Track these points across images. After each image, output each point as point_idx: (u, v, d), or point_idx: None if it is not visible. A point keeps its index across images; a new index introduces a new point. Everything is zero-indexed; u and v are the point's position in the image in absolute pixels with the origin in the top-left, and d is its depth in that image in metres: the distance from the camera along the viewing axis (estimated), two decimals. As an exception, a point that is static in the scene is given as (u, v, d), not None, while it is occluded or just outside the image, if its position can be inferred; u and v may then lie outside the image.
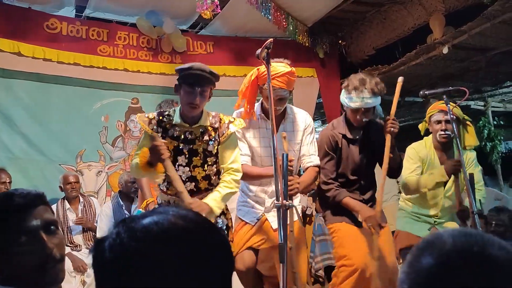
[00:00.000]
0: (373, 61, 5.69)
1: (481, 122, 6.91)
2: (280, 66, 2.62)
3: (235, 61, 5.38)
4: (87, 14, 4.92)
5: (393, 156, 2.75)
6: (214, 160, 2.54)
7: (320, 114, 7.56)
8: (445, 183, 3.14)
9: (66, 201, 4.22)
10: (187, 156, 2.48)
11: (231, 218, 2.72)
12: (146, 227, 0.71)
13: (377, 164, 2.98)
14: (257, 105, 2.83)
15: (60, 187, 4.24)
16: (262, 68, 2.61)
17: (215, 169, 2.56)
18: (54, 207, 4.24)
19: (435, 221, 3.24)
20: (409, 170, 3.15)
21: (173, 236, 0.70)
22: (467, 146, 3.17)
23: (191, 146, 2.49)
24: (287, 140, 2.56)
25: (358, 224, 2.84)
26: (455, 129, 2.73)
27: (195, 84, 2.37)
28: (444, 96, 2.80)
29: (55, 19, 4.64)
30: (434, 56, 4.91)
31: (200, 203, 2.37)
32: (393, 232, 3.28)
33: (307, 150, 2.83)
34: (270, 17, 4.86)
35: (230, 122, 2.55)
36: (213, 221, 2.32)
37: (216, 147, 2.52)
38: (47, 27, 4.58)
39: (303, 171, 2.93)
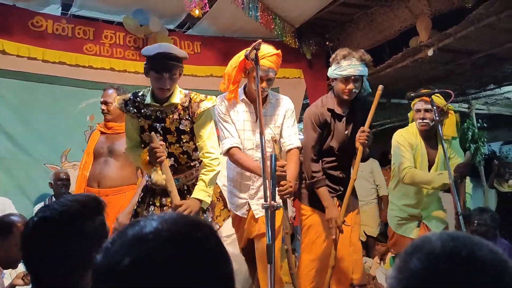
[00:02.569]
0: (360, 63, 5.71)
1: (465, 124, 6.99)
2: (268, 48, 2.67)
3: (223, 62, 5.34)
4: (73, 12, 4.87)
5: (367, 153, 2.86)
6: (190, 137, 2.59)
7: (307, 115, 7.58)
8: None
9: (54, 198, 4.19)
10: (161, 133, 2.55)
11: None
12: (138, 233, 0.71)
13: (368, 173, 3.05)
14: (240, 90, 2.84)
15: (50, 183, 4.21)
16: (250, 48, 2.62)
17: (194, 146, 2.62)
18: (41, 205, 4.20)
19: (421, 214, 3.27)
20: (407, 159, 3.14)
21: (163, 241, 0.70)
22: (444, 136, 3.19)
23: (163, 124, 2.55)
24: (277, 143, 2.65)
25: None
26: (436, 117, 2.76)
27: (163, 70, 2.40)
28: (430, 99, 2.84)
29: (40, 17, 4.58)
30: (420, 58, 4.96)
31: (189, 203, 2.43)
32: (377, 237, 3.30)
33: (288, 133, 2.86)
34: (258, 16, 4.85)
35: (201, 100, 2.57)
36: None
37: (189, 126, 2.57)
38: (32, 25, 4.53)
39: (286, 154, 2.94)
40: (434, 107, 2.80)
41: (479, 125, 7.29)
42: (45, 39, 4.57)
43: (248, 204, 2.86)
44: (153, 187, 2.61)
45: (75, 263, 1.20)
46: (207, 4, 4.46)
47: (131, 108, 2.57)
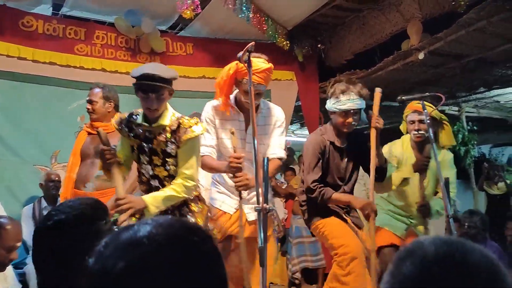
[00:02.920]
0: (352, 66, 5.75)
1: (455, 127, 7.04)
2: (259, 62, 2.66)
3: (215, 63, 5.36)
4: (64, 12, 4.83)
5: (378, 153, 2.86)
6: (175, 161, 2.54)
7: (299, 117, 7.60)
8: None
9: (43, 199, 4.15)
10: (147, 154, 2.53)
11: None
12: (131, 237, 0.71)
13: (359, 176, 3.06)
14: (231, 97, 2.84)
15: (40, 184, 4.17)
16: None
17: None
18: (29, 207, 4.17)
19: (410, 222, 3.28)
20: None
21: (156, 246, 0.69)
22: (444, 145, 3.23)
23: (151, 145, 2.53)
24: (236, 136, 2.62)
25: (342, 219, 2.89)
26: (430, 130, 2.79)
27: (148, 91, 2.38)
28: (421, 102, 2.87)
29: (31, 16, 4.54)
30: (411, 62, 4.99)
31: (134, 198, 2.38)
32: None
33: (273, 143, 2.86)
34: (249, 18, 4.85)
35: (190, 126, 2.49)
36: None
37: (175, 149, 2.51)
38: (23, 25, 4.48)
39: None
40: (427, 117, 2.82)
41: (469, 128, 7.36)
42: (36, 39, 4.54)
43: (238, 203, 2.81)
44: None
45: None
46: (199, 6, 4.45)
47: (123, 126, 2.56)
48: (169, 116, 2.52)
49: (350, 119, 2.81)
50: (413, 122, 3.17)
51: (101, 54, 4.87)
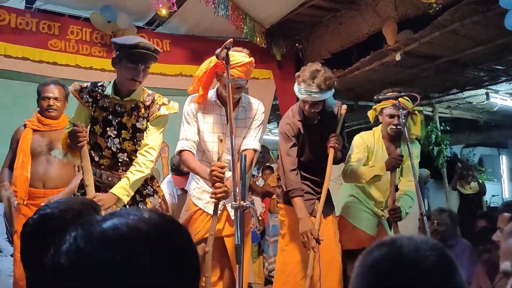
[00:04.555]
0: (329, 65, 5.70)
1: (429, 127, 7.18)
2: (240, 56, 2.60)
3: (192, 60, 5.33)
4: (38, 6, 4.73)
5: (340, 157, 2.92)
6: (143, 136, 2.55)
7: (276, 116, 7.62)
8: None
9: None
10: (116, 128, 2.50)
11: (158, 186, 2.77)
12: (103, 233, 0.68)
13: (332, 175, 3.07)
14: (212, 91, 2.80)
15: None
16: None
17: None
18: (0, 205, 4.06)
19: (382, 213, 3.25)
20: (353, 159, 3.18)
21: (132, 241, 0.67)
22: (412, 135, 3.23)
23: (120, 119, 2.50)
24: (223, 143, 2.52)
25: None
26: (405, 128, 2.83)
27: (139, 61, 2.38)
28: (397, 101, 2.91)
29: (3, 10, 4.42)
30: (386, 62, 5.07)
31: (104, 196, 2.34)
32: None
33: (249, 134, 2.82)
34: (228, 15, 4.84)
35: (163, 104, 2.54)
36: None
37: (145, 125, 2.52)
38: (-6, 19, 4.37)
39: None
40: (402, 111, 2.86)
41: (442, 128, 7.50)
42: (7, 33, 4.42)
43: (223, 204, 2.77)
44: (98, 183, 2.51)
45: None
46: (175, 4, 4.41)
47: (85, 96, 2.50)
48: (141, 92, 2.53)
49: (307, 108, 2.78)
50: (393, 116, 3.12)
51: (76, 50, 4.78)
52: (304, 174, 2.96)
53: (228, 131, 2.75)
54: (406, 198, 3.12)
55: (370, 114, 3.41)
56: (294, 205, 2.82)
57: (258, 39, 5.37)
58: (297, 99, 2.94)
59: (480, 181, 7.24)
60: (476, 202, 6.82)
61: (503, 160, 12.74)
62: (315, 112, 2.81)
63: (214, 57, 2.63)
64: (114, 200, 2.36)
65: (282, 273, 2.94)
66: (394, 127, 3.11)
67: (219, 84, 2.77)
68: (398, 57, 4.79)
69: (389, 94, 3.09)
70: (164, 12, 4.55)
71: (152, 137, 2.51)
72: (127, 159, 2.53)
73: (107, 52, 4.93)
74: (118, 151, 2.51)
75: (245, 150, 2.77)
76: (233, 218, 2.73)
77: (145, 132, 2.53)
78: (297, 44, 6.01)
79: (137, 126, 2.51)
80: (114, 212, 0.74)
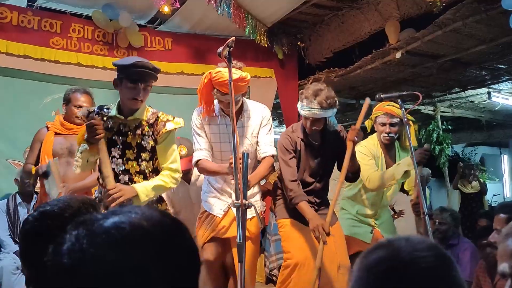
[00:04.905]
0: (331, 64, 5.79)
1: (430, 126, 7.17)
2: (227, 73, 2.55)
3: (194, 59, 5.33)
4: (39, 4, 4.72)
5: (353, 162, 2.85)
6: (150, 156, 2.53)
7: (278, 114, 7.61)
8: None
9: (18, 195, 4.07)
10: (120, 148, 2.48)
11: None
12: (107, 232, 0.67)
13: (333, 174, 3.08)
14: (216, 102, 2.86)
15: (16, 179, 4.08)
16: (214, 71, 2.68)
17: (152, 167, 2.54)
18: (3, 202, 4.09)
19: (375, 223, 3.31)
20: (369, 166, 3.18)
21: (136, 240, 0.67)
22: (406, 146, 3.25)
23: (124, 138, 2.49)
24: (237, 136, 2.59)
25: (305, 223, 2.88)
26: (408, 133, 2.83)
27: (139, 80, 2.38)
28: (399, 100, 2.90)
29: (5, 8, 4.41)
30: (388, 61, 5.06)
31: (123, 187, 2.35)
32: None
33: (263, 142, 2.89)
34: (230, 14, 4.83)
35: (167, 120, 2.53)
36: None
37: (151, 144, 2.51)
38: (-4, 16, 4.37)
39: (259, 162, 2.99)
40: (398, 120, 2.93)
41: (443, 127, 7.49)
42: (9, 31, 4.41)
43: (228, 206, 2.84)
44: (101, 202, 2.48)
45: None
46: (177, 1, 4.41)
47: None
48: (145, 110, 2.53)
49: (309, 125, 2.82)
50: (384, 124, 3.19)
51: (77, 48, 4.77)
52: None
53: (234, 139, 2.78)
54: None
55: (367, 123, 3.44)
56: (300, 209, 2.83)
57: (260, 38, 5.36)
58: (298, 114, 2.96)
59: (482, 180, 7.23)
60: (477, 201, 6.82)
61: (505, 159, 12.73)
62: (316, 130, 2.84)
63: (207, 73, 2.72)
64: (133, 194, 2.36)
65: (281, 276, 2.95)
66: (386, 135, 3.17)
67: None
68: (398, 55, 4.78)
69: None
70: (166, 9, 4.54)
71: (170, 159, 2.52)
72: (129, 182, 2.50)
73: (109, 50, 4.93)
74: (120, 172, 2.49)
75: (264, 157, 2.86)
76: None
77: (160, 155, 2.52)
78: (299, 43, 6.01)
79: (143, 145, 2.50)
80: (114, 210, 0.74)
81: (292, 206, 2.87)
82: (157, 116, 2.53)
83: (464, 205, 6.75)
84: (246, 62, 2.98)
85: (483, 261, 3.05)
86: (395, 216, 4.34)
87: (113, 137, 2.49)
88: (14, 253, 3.90)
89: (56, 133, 3.34)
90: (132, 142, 2.49)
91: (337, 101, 2.79)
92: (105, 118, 2.49)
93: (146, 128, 2.50)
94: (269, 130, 2.92)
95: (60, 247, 0.68)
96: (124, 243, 0.66)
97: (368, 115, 3.08)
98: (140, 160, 2.50)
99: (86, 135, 2.36)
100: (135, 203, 2.36)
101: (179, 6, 4.57)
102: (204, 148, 2.83)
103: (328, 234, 2.71)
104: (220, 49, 2.14)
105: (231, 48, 2.16)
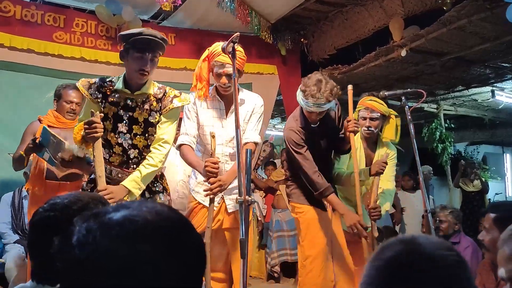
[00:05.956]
0: (334, 61, 5.78)
1: (433, 124, 7.15)
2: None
3: (197, 54, 5.28)
4: (43, -2, 4.72)
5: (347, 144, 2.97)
6: (155, 130, 2.51)
7: (280, 111, 7.61)
8: None
9: (24, 188, 4.07)
10: (127, 123, 2.45)
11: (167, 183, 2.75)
12: (120, 224, 0.67)
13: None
14: (211, 88, 2.85)
15: (25, 173, 4.08)
16: (212, 47, 2.69)
17: None
18: (9, 195, 4.08)
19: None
20: (341, 162, 3.24)
21: (147, 234, 0.67)
22: (384, 138, 3.28)
23: (131, 113, 2.45)
24: (215, 139, 2.59)
25: (324, 209, 2.97)
26: (412, 133, 2.84)
27: (146, 49, 2.33)
28: (403, 98, 2.90)
29: (8, 1, 4.40)
30: (392, 58, 5.04)
31: (115, 189, 2.31)
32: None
33: (249, 128, 2.85)
34: (234, 10, 4.82)
35: (175, 96, 2.51)
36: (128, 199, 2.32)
37: (158, 119, 2.49)
38: (0, 10, 4.35)
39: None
40: (379, 115, 3.05)
41: (446, 125, 7.47)
42: (13, 25, 4.40)
43: (222, 197, 2.83)
44: (108, 180, 2.45)
45: None
46: (180, -2, 4.41)
47: (94, 92, 2.45)
48: (152, 85, 2.50)
49: (314, 117, 2.88)
50: (365, 118, 3.20)
51: (81, 43, 4.76)
52: None
53: (227, 125, 2.80)
54: (385, 196, 3.17)
55: (354, 116, 3.44)
56: (331, 203, 2.90)
57: (263, 34, 5.35)
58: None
59: (483, 179, 7.21)
60: (478, 200, 6.79)
61: (507, 158, 12.68)
62: (319, 119, 2.91)
63: (206, 50, 2.73)
64: (125, 193, 2.33)
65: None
66: (366, 129, 3.19)
67: (212, 75, 2.80)
68: (403, 52, 4.76)
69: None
70: (167, 5, 4.53)
71: (166, 131, 2.49)
72: (138, 156, 2.49)
73: (112, 45, 4.92)
74: (129, 147, 2.46)
75: (246, 143, 2.79)
76: (230, 211, 2.82)
77: (157, 126, 2.50)
78: (302, 40, 5.99)
79: (150, 120, 2.47)
80: (125, 203, 0.74)
81: (319, 197, 2.90)
82: (165, 91, 2.51)
83: (465, 204, 6.74)
84: (249, 58, 2.98)
85: (487, 258, 3.05)
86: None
87: (119, 112, 2.44)
88: (14, 242, 3.92)
89: (49, 126, 3.35)
90: (139, 117, 2.45)
91: (339, 88, 2.83)
92: (108, 92, 2.44)
93: (154, 104, 2.47)
94: (258, 119, 2.89)
95: (69, 239, 0.68)
96: (137, 236, 0.67)
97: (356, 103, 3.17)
98: (147, 134, 2.48)
99: (83, 132, 2.26)
100: (131, 198, 2.34)
101: (180, 3, 4.57)
102: (190, 133, 2.78)
103: (366, 228, 2.77)
104: (224, 44, 2.14)
105: (235, 44, 2.15)
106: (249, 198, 1.86)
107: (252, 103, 2.88)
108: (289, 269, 5.41)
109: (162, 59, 4.86)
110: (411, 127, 2.84)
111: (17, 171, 3.82)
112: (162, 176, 2.68)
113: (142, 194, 2.47)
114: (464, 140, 10.82)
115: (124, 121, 2.44)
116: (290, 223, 5.10)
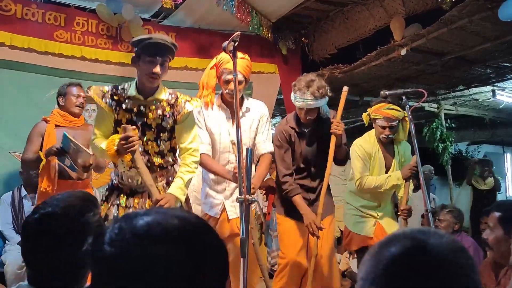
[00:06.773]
0: (335, 60, 5.77)
1: (434, 124, 7.14)
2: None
3: (198, 54, 5.31)
4: (43, -4, 4.71)
5: (340, 150, 3.01)
6: (169, 136, 2.54)
7: (281, 110, 7.60)
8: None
9: (23, 188, 4.07)
10: (140, 129, 2.47)
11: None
12: (148, 225, 0.72)
13: (333, 171, 3.21)
14: (217, 96, 2.92)
15: (20, 172, 4.08)
16: (220, 55, 2.76)
17: (170, 146, 2.57)
18: (9, 194, 4.08)
19: (377, 214, 3.45)
20: (361, 169, 3.36)
21: (174, 237, 0.72)
22: (399, 139, 3.46)
23: (144, 119, 2.48)
24: (236, 146, 2.64)
25: (300, 219, 3.01)
26: (414, 140, 2.87)
27: (156, 53, 2.35)
28: (404, 97, 2.89)
29: (9, 0, 4.40)
30: (393, 58, 5.04)
31: (169, 197, 2.38)
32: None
33: (262, 138, 2.99)
34: (233, 10, 4.82)
35: (187, 100, 2.54)
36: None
37: (171, 124, 2.51)
38: (0, 9, 4.34)
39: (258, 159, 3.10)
40: (397, 122, 3.20)
41: (447, 125, 7.46)
42: (13, 24, 4.40)
43: (223, 204, 2.88)
44: (120, 185, 2.55)
45: (80, 261, 1.20)
46: (181, -4, 4.40)
47: (108, 100, 2.47)
48: (163, 90, 2.52)
49: (303, 115, 2.93)
50: (384, 127, 3.34)
51: (81, 42, 4.76)
52: (296, 180, 3.08)
53: (233, 132, 2.83)
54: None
55: (364, 117, 3.53)
56: (295, 203, 2.98)
57: (264, 33, 5.35)
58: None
59: (497, 176, 7.17)
60: (489, 198, 6.68)
61: (508, 158, 12.68)
62: (310, 119, 2.95)
63: (214, 58, 2.82)
64: (175, 200, 2.42)
65: (276, 277, 3.13)
66: (386, 137, 3.36)
67: (219, 84, 2.88)
68: (403, 52, 4.76)
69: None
70: (168, 2, 4.52)
71: (190, 139, 2.54)
72: (148, 163, 2.49)
73: (112, 44, 4.92)
74: (141, 153, 2.47)
75: (263, 154, 2.96)
76: (230, 217, 2.90)
77: (180, 135, 2.53)
78: (303, 39, 5.98)
79: (163, 125, 2.50)
80: (154, 208, 0.80)
81: (287, 198, 3.00)
82: (177, 96, 2.54)
83: (476, 202, 6.70)
84: (250, 57, 2.98)
85: (490, 257, 3.05)
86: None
87: (133, 118, 2.47)
88: (18, 243, 3.90)
89: (56, 125, 3.36)
90: (153, 123, 2.48)
91: (328, 90, 2.89)
92: (121, 99, 2.47)
93: (168, 109, 2.50)
94: (268, 128, 3.02)
95: (103, 237, 0.73)
96: (164, 238, 0.71)
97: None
98: (159, 140, 2.52)
99: (117, 147, 2.29)
100: (177, 204, 2.45)
101: (181, 1, 4.57)
102: (206, 142, 2.87)
103: (320, 229, 2.88)
104: (225, 43, 2.14)
105: (236, 43, 2.15)
106: (250, 197, 1.86)
107: (258, 112, 2.97)
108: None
109: (163, 58, 4.89)
110: (412, 126, 2.84)
111: (30, 172, 3.84)
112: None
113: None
114: (464, 139, 10.82)
115: (137, 128, 2.46)
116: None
